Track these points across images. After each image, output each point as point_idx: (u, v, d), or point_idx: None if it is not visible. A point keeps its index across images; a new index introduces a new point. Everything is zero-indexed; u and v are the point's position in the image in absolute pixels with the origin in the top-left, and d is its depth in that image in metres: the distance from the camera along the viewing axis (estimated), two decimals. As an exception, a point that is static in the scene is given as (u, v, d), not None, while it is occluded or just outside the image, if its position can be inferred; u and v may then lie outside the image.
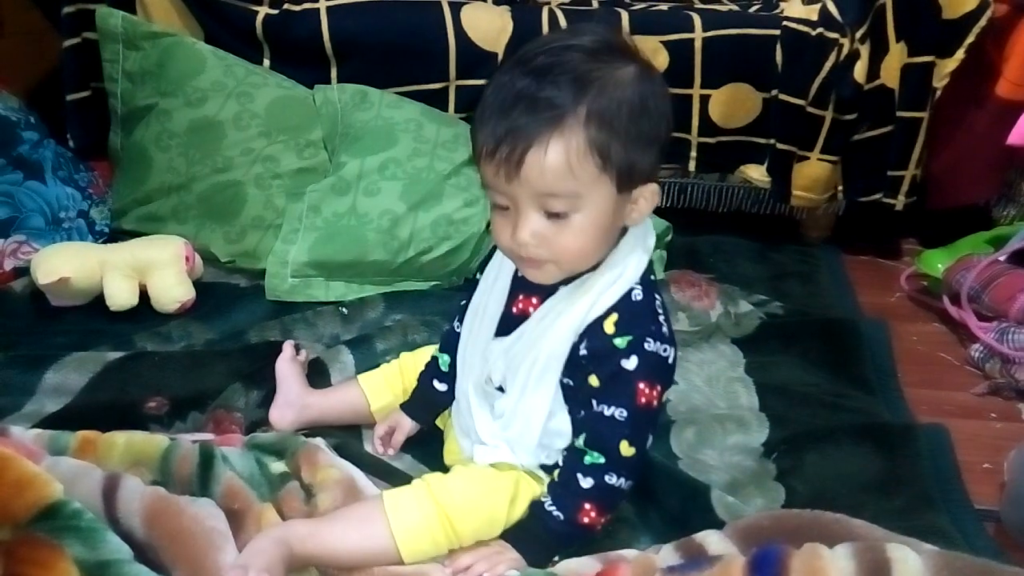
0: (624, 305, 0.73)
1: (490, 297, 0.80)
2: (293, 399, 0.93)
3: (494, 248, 0.82)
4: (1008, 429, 1.05)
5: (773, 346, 1.14)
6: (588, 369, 0.74)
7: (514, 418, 0.78)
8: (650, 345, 0.72)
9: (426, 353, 0.93)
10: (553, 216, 0.69)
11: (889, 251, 1.45)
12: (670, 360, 0.75)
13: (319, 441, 0.86)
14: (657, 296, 0.75)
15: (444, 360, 0.88)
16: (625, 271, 0.73)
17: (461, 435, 0.84)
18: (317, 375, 1.01)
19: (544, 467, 0.80)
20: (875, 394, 1.07)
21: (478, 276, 0.85)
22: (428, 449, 0.91)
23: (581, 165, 0.67)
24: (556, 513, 0.75)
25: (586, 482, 0.74)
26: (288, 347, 0.99)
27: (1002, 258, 1.21)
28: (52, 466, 0.73)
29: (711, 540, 0.71)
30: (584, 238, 0.70)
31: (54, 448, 0.79)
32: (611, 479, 0.74)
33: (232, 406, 0.94)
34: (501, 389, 0.79)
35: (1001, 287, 1.16)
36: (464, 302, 0.86)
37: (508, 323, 0.78)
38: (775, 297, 1.25)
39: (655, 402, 0.74)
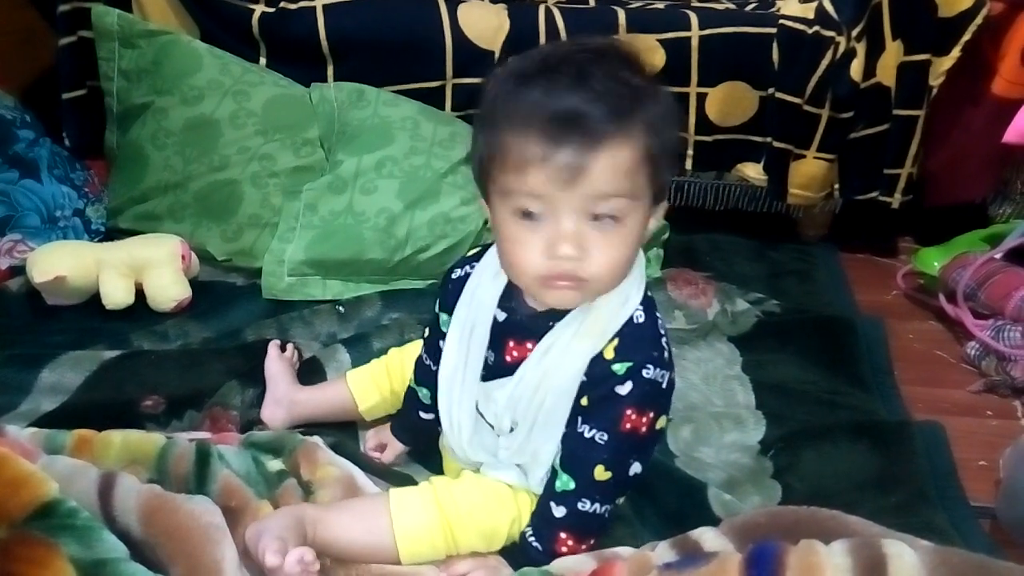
0: (626, 329, 0.70)
1: (469, 351, 0.75)
2: (281, 396, 0.93)
3: (454, 282, 0.78)
4: (1004, 426, 1.05)
5: (770, 344, 1.14)
6: (583, 392, 0.71)
7: (520, 456, 0.75)
8: (648, 372, 0.69)
9: (414, 348, 0.91)
10: (599, 224, 0.64)
11: (886, 249, 1.46)
12: (664, 385, 0.71)
13: (317, 439, 0.86)
14: (658, 316, 0.72)
15: (424, 393, 0.85)
16: (630, 295, 0.71)
17: (466, 449, 0.81)
18: (313, 373, 1.00)
19: None
20: (871, 392, 1.07)
21: (438, 312, 0.80)
22: (430, 452, 0.90)
23: (639, 173, 0.64)
24: (535, 544, 0.74)
25: (559, 511, 0.72)
26: (273, 347, 0.99)
27: (998, 256, 1.21)
28: (48, 465, 0.73)
29: (707, 537, 0.71)
30: (625, 250, 0.66)
31: (50, 447, 0.79)
32: (584, 506, 0.72)
33: (228, 404, 0.94)
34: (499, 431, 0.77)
35: (997, 285, 1.16)
36: (427, 334, 0.82)
37: (503, 372, 0.74)
38: (772, 295, 1.25)
39: (643, 428, 0.70)
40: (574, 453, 0.72)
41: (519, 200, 0.65)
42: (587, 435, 0.71)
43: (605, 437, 0.70)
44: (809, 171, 1.35)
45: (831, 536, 0.64)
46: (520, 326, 0.73)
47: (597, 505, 0.72)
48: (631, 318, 0.70)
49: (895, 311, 1.28)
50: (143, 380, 0.97)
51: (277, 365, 0.96)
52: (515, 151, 0.63)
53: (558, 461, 0.73)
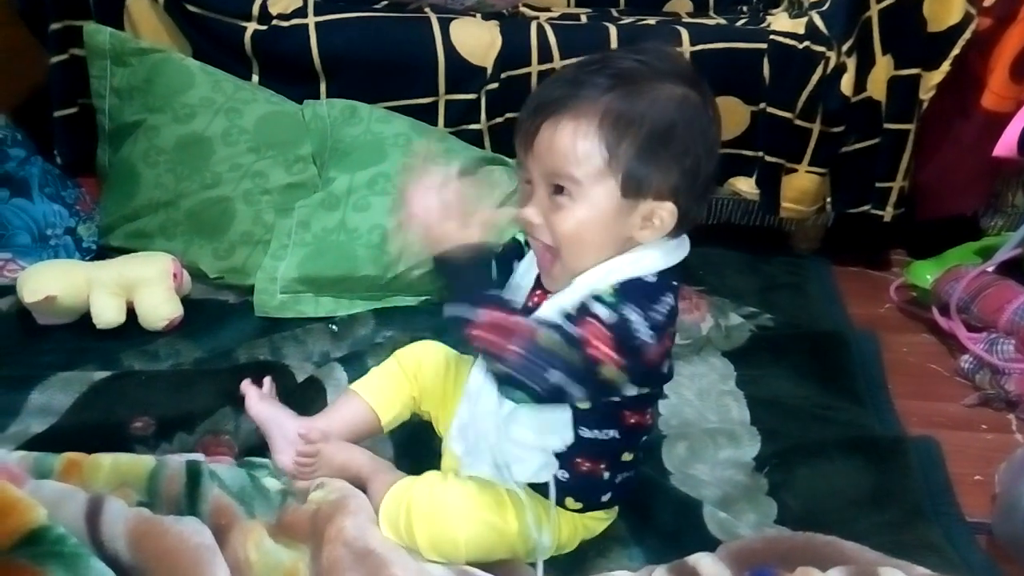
0: (630, 281, 0.70)
1: (522, 284, 0.79)
2: (293, 436, 0.85)
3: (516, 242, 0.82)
4: (999, 440, 1.05)
5: (764, 359, 1.14)
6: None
7: (516, 415, 0.74)
8: (631, 315, 0.67)
9: (422, 346, 0.91)
10: (556, 197, 0.70)
11: (878, 262, 1.46)
12: (637, 342, 0.68)
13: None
14: (671, 297, 0.71)
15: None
16: (640, 261, 0.71)
17: (457, 438, 0.81)
18: (314, 394, 0.99)
19: (533, 486, 0.78)
20: (865, 406, 1.07)
21: (520, 239, 0.82)
22: (424, 459, 0.89)
23: (587, 153, 0.68)
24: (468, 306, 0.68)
25: (522, 325, 0.67)
26: (250, 388, 0.89)
27: (990, 269, 1.21)
28: (35, 490, 0.72)
29: (704, 563, 0.71)
30: (580, 228, 0.70)
31: (39, 471, 0.79)
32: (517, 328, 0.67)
33: (221, 430, 0.93)
34: None
35: (990, 298, 1.16)
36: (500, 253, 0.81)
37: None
38: (765, 309, 1.25)
39: (596, 352, 0.66)
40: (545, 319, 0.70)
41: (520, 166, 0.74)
42: (557, 319, 0.69)
43: (572, 332, 0.67)
44: (801, 185, 1.36)
45: (827, 563, 0.64)
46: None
47: (520, 344, 0.67)
48: (641, 277, 0.70)
49: (888, 324, 1.28)
50: (133, 401, 0.96)
51: (267, 407, 0.88)
52: None
53: None
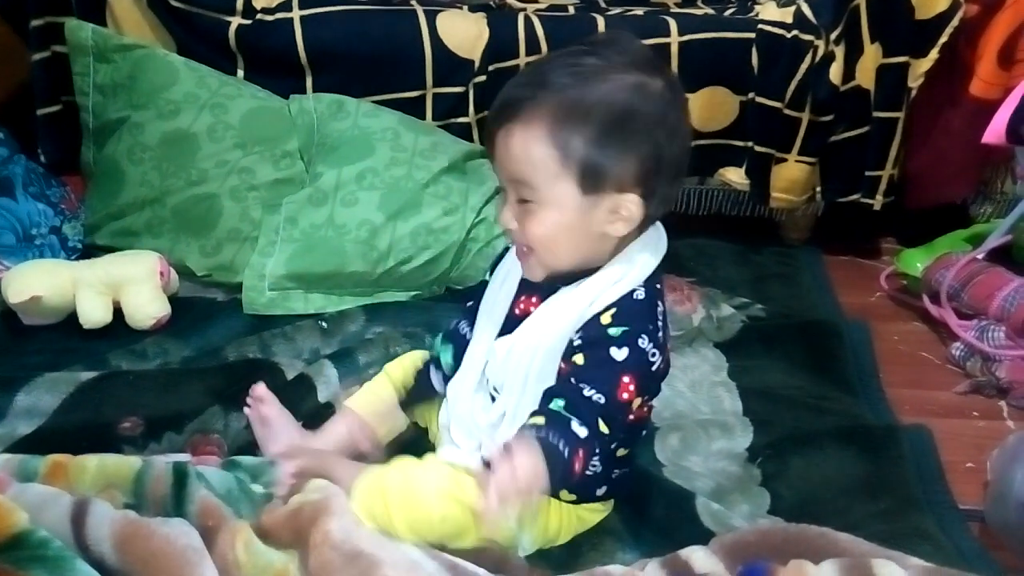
0: (624, 302, 0.72)
1: (498, 297, 0.80)
2: (278, 451, 0.86)
3: (506, 249, 0.82)
4: (990, 427, 1.05)
5: (756, 349, 1.14)
6: (577, 351, 0.72)
7: (514, 419, 0.75)
8: (643, 342, 0.70)
9: (410, 359, 0.91)
10: (522, 203, 0.71)
11: (869, 251, 1.46)
12: (654, 368, 0.72)
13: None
14: (660, 303, 0.74)
15: (446, 354, 0.85)
16: (630, 271, 0.72)
17: (442, 429, 0.82)
18: (305, 391, 0.98)
19: None
20: (858, 395, 1.07)
21: (487, 278, 0.84)
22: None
23: (540, 156, 0.68)
24: (560, 445, 0.68)
25: (582, 431, 0.68)
26: (263, 391, 0.89)
27: (980, 256, 1.21)
28: (19, 494, 0.71)
29: (697, 556, 0.71)
30: (549, 232, 0.70)
31: (23, 474, 0.77)
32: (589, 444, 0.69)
33: (210, 429, 0.92)
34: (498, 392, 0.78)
35: (980, 285, 1.16)
36: (471, 303, 0.84)
37: (511, 325, 0.78)
38: (757, 299, 1.25)
39: (634, 405, 0.71)
40: (578, 408, 0.70)
41: None
42: (586, 393, 0.70)
43: (603, 400, 0.69)
44: (791, 174, 1.36)
45: (821, 555, 0.64)
46: (533, 284, 0.77)
47: (585, 455, 0.69)
48: (630, 294, 0.72)
49: (879, 313, 1.28)
50: (121, 402, 0.95)
51: (274, 413, 0.88)
52: None
53: (562, 406, 0.70)
